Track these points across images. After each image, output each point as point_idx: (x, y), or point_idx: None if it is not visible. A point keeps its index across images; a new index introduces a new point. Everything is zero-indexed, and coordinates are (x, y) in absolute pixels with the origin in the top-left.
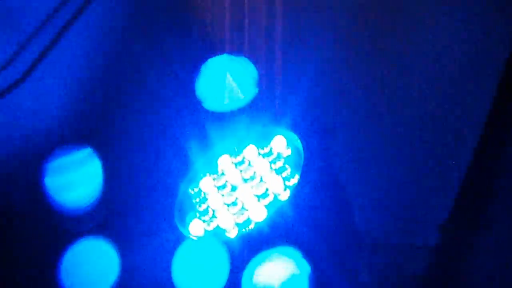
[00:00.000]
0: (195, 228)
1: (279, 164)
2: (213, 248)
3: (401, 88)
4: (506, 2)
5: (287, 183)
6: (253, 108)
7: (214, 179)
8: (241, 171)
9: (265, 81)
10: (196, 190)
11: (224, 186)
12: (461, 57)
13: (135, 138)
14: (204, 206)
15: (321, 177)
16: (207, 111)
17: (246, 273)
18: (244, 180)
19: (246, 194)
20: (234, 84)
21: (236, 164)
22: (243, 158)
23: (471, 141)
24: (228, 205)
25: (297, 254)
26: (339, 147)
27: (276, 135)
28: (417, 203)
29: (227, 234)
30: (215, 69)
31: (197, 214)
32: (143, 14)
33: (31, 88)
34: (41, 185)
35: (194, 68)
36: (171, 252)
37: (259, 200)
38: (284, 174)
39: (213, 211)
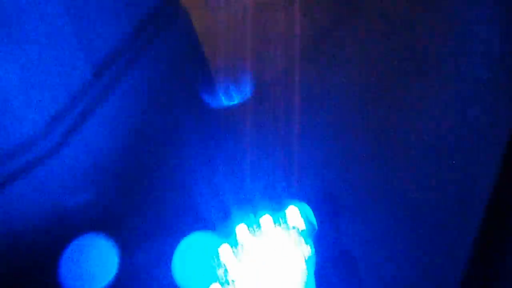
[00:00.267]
0: None
1: (293, 234)
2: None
3: (400, 169)
4: None
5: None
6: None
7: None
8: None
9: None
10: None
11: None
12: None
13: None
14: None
15: (333, 250)
16: None
17: None
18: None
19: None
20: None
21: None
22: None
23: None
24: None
25: None
26: (349, 225)
27: (289, 205)
28: (423, 279)
29: None
30: None
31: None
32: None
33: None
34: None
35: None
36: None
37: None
38: (298, 244)
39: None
